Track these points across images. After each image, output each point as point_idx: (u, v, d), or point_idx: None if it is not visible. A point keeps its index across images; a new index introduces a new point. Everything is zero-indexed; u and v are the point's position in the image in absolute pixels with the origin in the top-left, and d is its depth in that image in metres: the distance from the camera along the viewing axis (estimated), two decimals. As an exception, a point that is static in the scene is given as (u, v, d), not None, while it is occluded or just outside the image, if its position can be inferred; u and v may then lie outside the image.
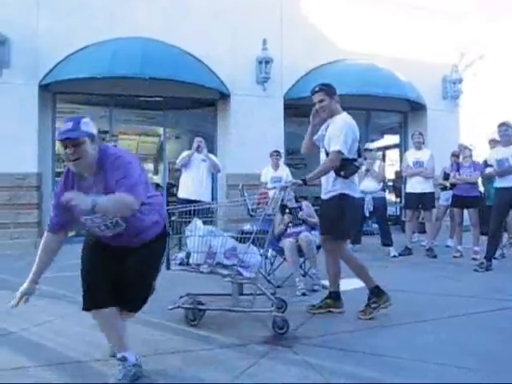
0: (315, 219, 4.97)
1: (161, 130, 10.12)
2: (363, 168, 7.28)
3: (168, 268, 3.63)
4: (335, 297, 4.00)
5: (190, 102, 9.54)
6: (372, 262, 6.35)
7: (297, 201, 5.26)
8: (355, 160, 3.79)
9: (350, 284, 4.90)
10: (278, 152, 7.55)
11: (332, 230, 3.87)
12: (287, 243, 4.81)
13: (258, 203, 3.84)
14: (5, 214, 7.75)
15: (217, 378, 2.65)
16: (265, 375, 2.70)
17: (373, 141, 10.10)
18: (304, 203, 5.26)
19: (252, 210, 3.66)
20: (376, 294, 3.84)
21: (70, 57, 8.11)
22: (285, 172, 7.44)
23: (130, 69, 7.65)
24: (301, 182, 3.73)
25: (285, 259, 4.95)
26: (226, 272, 3.52)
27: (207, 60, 8.70)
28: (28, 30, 7.93)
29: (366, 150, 7.47)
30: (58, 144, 8.82)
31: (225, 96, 8.98)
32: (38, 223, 7.98)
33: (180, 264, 3.65)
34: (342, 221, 3.79)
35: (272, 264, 5.14)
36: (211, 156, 7.29)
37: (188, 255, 3.61)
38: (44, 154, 8.22)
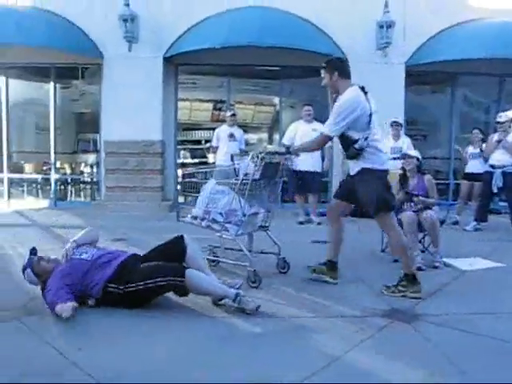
0: (432, 199, 4.76)
1: (276, 100, 10.14)
2: (494, 138, 6.64)
3: (178, 220, 4.21)
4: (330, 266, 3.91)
5: (306, 71, 9.39)
6: (498, 243, 5.85)
7: (420, 172, 4.94)
8: (355, 142, 3.48)
9: (481, 263, 4.58)
10: (399, 123, 7.52)
11: (368, 204, 3.61)
12: (406, 217, 4.57)
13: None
14: (133, 179, 8.44)
15: (334, 345, 2.63)
16: (383, 348, 2.62)
17: (507, 110, 9.08)
18: (426, 177, 4.91)
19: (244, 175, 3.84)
20: (410, 280, 3.55)
21: (191, 29, 8.39)
22: (405, 144, 7.37)
23: (247, 38, 7.69)
24: (284, 150, 3.71)
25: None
26: (218, 228, 3.88)
27: (324, 25, 8.44)
28: (153, 7, 8.35)
29: (498, 123, 6.79)
30: (179, 113, 9.36)
31: (341, 63, 8.67)
32: (161, 187, 8.58)
33: (193, 217, 4.06)
34: (372, 194, 3.54)
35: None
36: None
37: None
38: (167, 123, 8.73)
